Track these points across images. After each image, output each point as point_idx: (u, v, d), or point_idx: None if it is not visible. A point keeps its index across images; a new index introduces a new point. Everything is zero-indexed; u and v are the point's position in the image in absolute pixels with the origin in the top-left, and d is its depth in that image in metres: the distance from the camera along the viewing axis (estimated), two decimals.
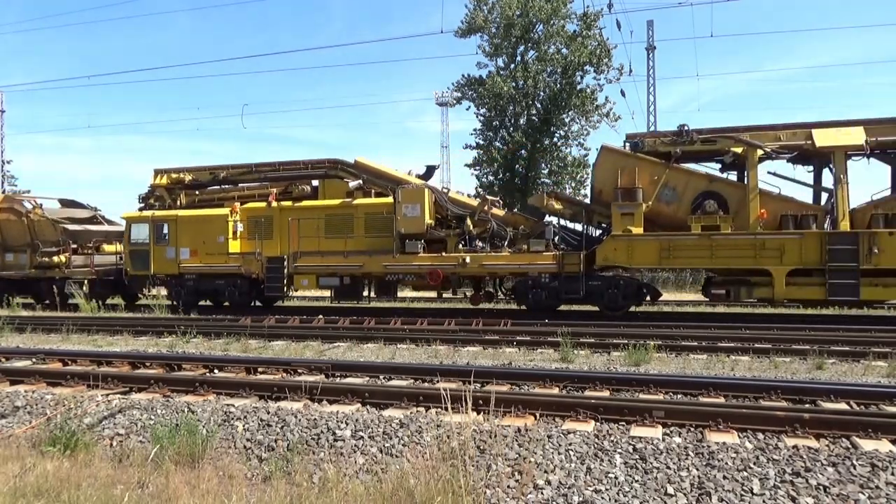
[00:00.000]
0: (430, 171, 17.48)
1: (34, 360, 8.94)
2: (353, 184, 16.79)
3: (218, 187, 19.06)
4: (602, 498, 4.23)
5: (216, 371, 8.10)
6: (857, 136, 13.31)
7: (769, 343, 9.74)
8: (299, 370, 7.83)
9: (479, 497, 4.20)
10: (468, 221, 15.64)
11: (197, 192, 19.13)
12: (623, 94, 44.20)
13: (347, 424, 5.58)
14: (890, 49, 75.47)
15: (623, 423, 5.48)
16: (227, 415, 5.98)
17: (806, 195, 14.58)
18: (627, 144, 14.79)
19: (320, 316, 14.23)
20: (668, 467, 4.55)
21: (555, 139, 30.46)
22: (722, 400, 6.22)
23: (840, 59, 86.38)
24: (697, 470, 4.49)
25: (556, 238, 15.15)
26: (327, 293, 17.41)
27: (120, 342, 11.75)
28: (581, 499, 4.23)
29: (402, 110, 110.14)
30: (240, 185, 18.69)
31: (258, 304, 17.78)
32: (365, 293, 16.60)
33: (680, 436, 5.16)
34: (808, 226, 13.28)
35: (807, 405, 6.01)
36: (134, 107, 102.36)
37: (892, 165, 14.11)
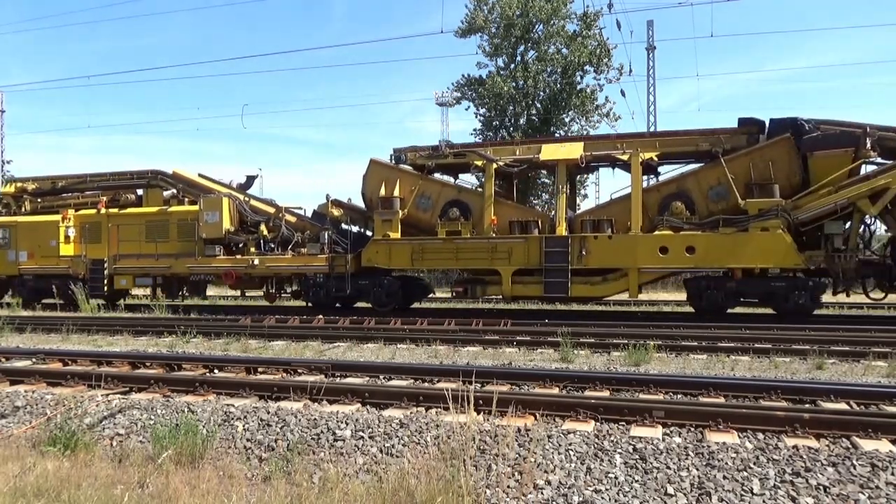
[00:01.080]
0: (250, 180, 19.44)
1: (34, 360, 8.94)
2: (167, 193, 19.14)
3: (61, 195, 20.63)
4: (602, 498, 4.23)
5: (216, 371, 8.10)
6: (575, 151, 15.38)
7: (769, 343, 9.74)
8: (299, 370, 7.83)
9: (479, 497, 4.20)
10: (262, 227, 17.38)
11: (39, 200, 20.71)
12: (623, 94, 44.29)
13: (347, 424, 5.58)
14: (891, 49, 75.49)
15: (623, 423, 5.48)
16: (227, 415, 5.98)
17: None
18: (392, 158, 16.73)
19: (320, 316, 14.23)
20: (668, 467, 4.55)
21: None
22: (722, 400, 6.22)
23: (841, 59, 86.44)
24: (697, 470, 4.49)
25: (330, 241, 16.82)
26: None
27: (120, 342, 11.75)
28: (581, 499, 4.23)
29: (402, 110, 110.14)
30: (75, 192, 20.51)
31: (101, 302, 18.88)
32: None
33: (680, 436, 5.16)
34: (531, 231, 15.04)
35: (807, 405, 6.01)
36: (134, 107, 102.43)
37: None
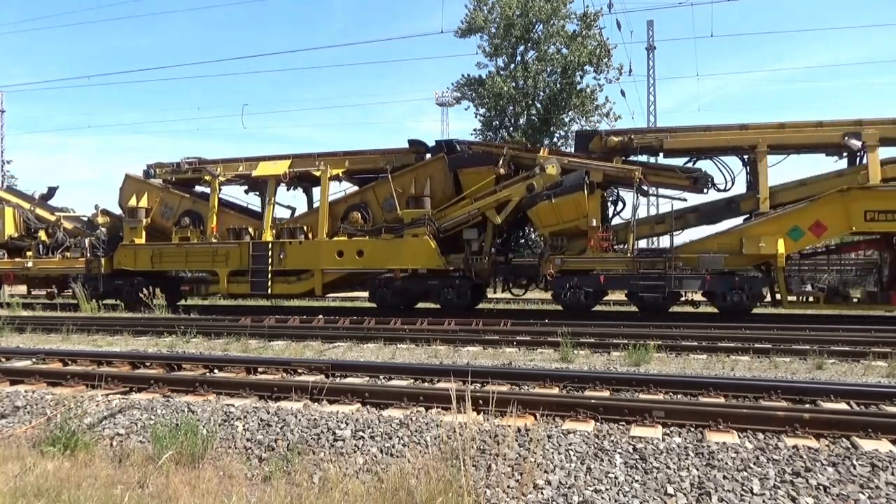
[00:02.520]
0: (52, 191, 21.36)
1: (34, 360, 8.93)
2: None
3: None
4: (602, 498, 4.23)
5: (216, 371, 8.10)
6: (281, 168, 17.54)
7: (769, 343, 9.74)
8: (299, 370, 7.83)
9: (479, 497, 4.20)
10: (41, 233, 19.72)
11: None
12: (623, 94, 44.31)
13: (347, 424, 5.58)
14: (890, 49, 75.50)
15: (623, 423, 5.48)
16: (227, 415, 5.98)
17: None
18: (144, 172, 19.01)
19: (320, 316, 14.24)
20: (668, 467, 4.55)
21: (555, 139, 30.44)
22: (722, 400, 6.22)
23: (840, 59, 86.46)
24: (697, 470, 4.49)
25: (90, 246, 18.80)
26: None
27: (120, 342, 11.74)
28: (581, 499, 4.23)
29: (402, 110, 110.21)
30: None
31: None
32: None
33: (680, 436, 5.16)
34: (243, 237, 17.34)
35: (807, 405, 6.01)
36: (134, 107, 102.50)
37: (305, 192, 19.10)
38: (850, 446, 4.84)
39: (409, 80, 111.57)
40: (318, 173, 16.94)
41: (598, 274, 14.56)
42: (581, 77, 29.77)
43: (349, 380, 7.44)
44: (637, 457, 4.72)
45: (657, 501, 4.17)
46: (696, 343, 9.98)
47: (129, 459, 5.14)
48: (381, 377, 7.56)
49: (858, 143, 13.72)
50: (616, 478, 4.47)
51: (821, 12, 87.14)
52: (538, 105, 30.28)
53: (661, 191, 16.51)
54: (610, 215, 15.61)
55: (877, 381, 7.39)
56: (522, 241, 17.96)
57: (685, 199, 15.40)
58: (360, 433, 5.42)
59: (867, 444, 4.79)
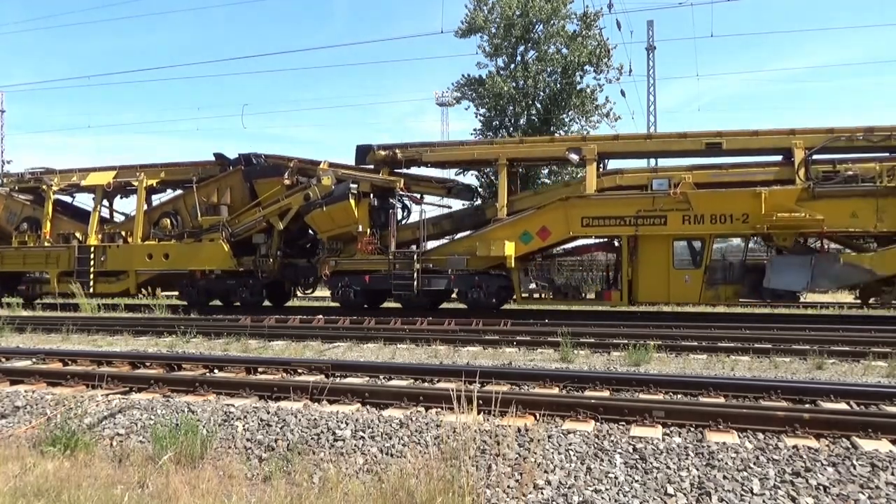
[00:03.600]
0: None
1: (34, 360, 8.93)
2: None
3: None
4: (602, 498, 4.23)
5: (216, 371, 8.10)
6: (106, 178, 19.40)
7: (769, 343, 9.74)
8: (299, 370, 7.83)
9: (479, 497, 4.20)
10: None
11: None
12: (623, 94, 44.17)
13: (347, 424, 5.58)
14: (891, 49, 75.50)
15: (623, 423, 5.48)
16: (227, 415, 5.98)
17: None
18: None
19: (320, 316, 14.24)
20: (668, 467, 4.55)
21: None
22: (722, 400, 6.22)
23: (840, 59, 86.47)
24: (697, 470, 4.49)
25: None
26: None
27: (120, 342, 11.74)
28: (581, 499, 4.23)
29: (402, 110, 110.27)
30: None
31: None
32: None
33: (680, 436, 5.16)
34: (71, 241, 19.17)
35: (807, 405, 6.01)
36: (134, 107, 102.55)
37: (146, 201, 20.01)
38: (850, 446, 4.84)
39: (409, 80, 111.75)
40: (136, 183, 18.90)
41: (364, 274, 16.12)
42: (581, 77, 29.73)
43: (349, 380, 7.44)
44: (637, 457, 4.72)
45: (657, 501, 4.17)
46: (696, 343, 9.98)
47: (129, 459, 5.13)
48: (381, 377, 7.56)
49: (577, 157, 15.53)
50: (616, 478, 4.47)
51: (821, 12, 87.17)
52: (538, 105, 30.26)
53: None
54: (391, 220, 16.54)
55: (877, 381, 7.39)
56: (309, 245, 18.91)
57: (449, 207, 17.99)
58: (360, 433, 5.42)
59: (867, 444, 4.79)
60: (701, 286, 14.20)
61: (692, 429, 5.30)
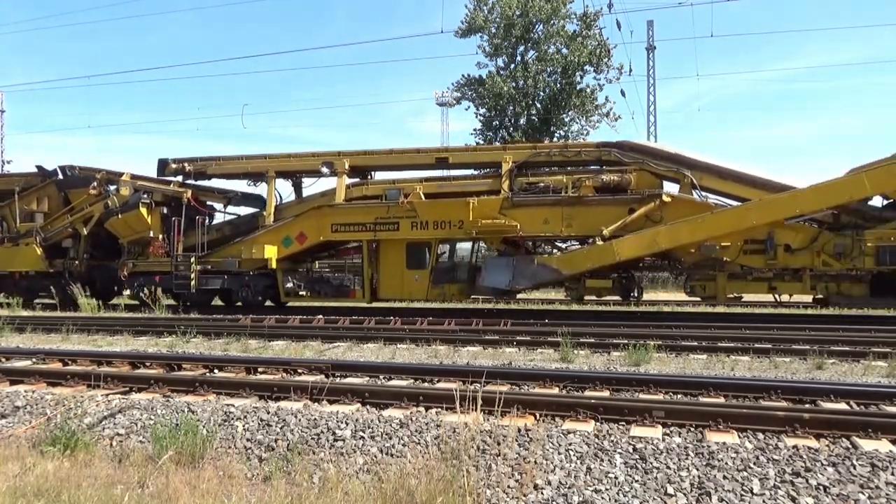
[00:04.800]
0: None
1: (34, 360, 8.93)
2: None
3: None
4: (602, 498, 4.23)
5: (216, 371, 8.10)
6: None
7: (769, 343, 9.74)
8: (299, 370, 7.83)
9: (479, 497, 4.20)
10: None
11: None
12: (623, 94, 44.30)
13: (347, 424, 5.58)
14: (891, 49, 75.53)
15: (623, 423, 5.48)
16: (227, 415, 5.98)
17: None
18: None
19: (320, 316, 14.24)
20: (668, 467, 4.55)
21: (555, 139, 30.47)
22: (722, 400, 6.22)
23: (840, 59, 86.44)
24: (697, 470, 4.49)
25: None
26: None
27: (120, 342, 11.74)
28: (581, 499, 4.23)
29: (402, 110, 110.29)
30: None
31: None
32: None
33: (680, 436, 5.16)
34: None
35: (807, 405, 6.01)
36: (134, 107, 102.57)
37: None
38: (850, 446, 4.84)
39: (409, 80, 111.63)
40: None
41: (155, 274, 17.91)
42: (581, 77, 29.79)
43: (349, 380, 7.44)
44: (637, 457, 4.72)
45: (657, 501, 4.17)
46: (696, 343, 9.97)
47: (129, 459, 5.14)
48: (381, 377, 7.56)
49: (328, 171, 17.33)
50: (616, 478, 4.47)
51: (821, 12, 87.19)
52: (538, 105, 30.29)
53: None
54: (173, 227, 17.88)
55: (877, 381, 7.39)
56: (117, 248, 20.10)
57: (237, 215, 19.47)
58: (360, 433, 5.42)
59: (867, 444, 4.79)
60: (428, 285, 16.11)
61: (692, 429, 5.30)
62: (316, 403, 6.35)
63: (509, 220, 15.25)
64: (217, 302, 19.33)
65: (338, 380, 7.37)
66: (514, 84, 29.42)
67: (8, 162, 46.42)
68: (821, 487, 4.18)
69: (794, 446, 4.74)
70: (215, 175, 18.76)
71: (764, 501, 4.10)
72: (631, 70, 30.60)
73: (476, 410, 4.68)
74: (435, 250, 16.37)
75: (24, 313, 16.70)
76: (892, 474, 4.31)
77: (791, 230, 13.88)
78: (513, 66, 30.23)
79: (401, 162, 17.57)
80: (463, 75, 31.77)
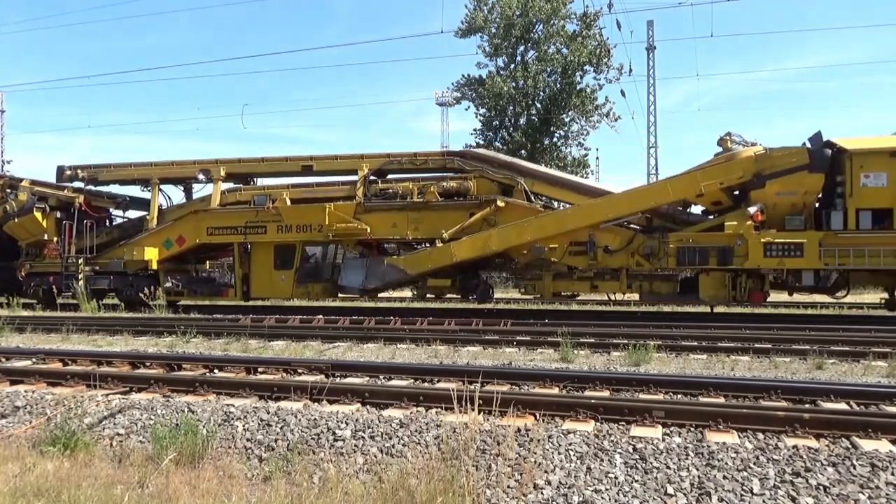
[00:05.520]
0: None
1: (34, 360, 8.93)
2: None
3: None
4: (602, 498, 4.23)
5: (216, 371, 8.10)
6: None
7: (769, 343, 9.73)
8: (299, 370, 7.83)
9: (479, 497, 4.20)
10: None
11: None
12: (623, 94, 44.35)
13: (347, 424, 5.58)
14: (892, 49, 75.51)
15: (623, 422, 5.48)
16: (227, 415, 5.98)
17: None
18: None
19: (320, 316, 14.24)
20: (668, 467, 4.55)
21: (555, 139, 30.54)
22: (722, 400, 6.21)
23: (841, 59, 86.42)
24: (697, 470, 4.49)
25: None
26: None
27: (120, 342, 11.74)
28: (581, 499, 4.23)
29: (402, 110, 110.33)
30: None
31: None
32: None
33: (680, 436, 5.16)
34: None
35: (807, 405, 6.00)
36: (134, 107, 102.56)
37: None
38: (850, 446, 4.84)
39: (409, 80, 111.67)
40: None
41: (50, 275, 18.74)
42: (581, 77, 29.83)
43: (349, 380, 7.44)
44: (637, 457, 4.72)
45: (657, 501, 4.17)
46: (696, 343, 9.97)
47: (129, 459, 5.14)
48: (381, 377, 7.55)
49: (204, 178, 18.52)
50: (616, 478, 4.47)
51: (821, 12, 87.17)
52: (538, 105, 30.31)
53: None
54: (64, 230, 18.83)
55: (877, 381, 7.39)
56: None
57: (126, 219, 20.67)
58: (360, 433, 5.42)
59: (867, 444, 4.79)
60: (293, 284, 17.25)
61: (692, 429, 5.30)
62: (316, 403, 6.35)
63: (362, 224, 16.49)
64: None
65: (338, 380, 7.37)
66: (514, 84, 29.43)
67: (8, 162, 46.45)
68: (821, 487, 4.18)
69: (794, 446, 4.74)
70: (107, 181, 19.77)
71: (764, 501, 4.10)
72: (631, 70, 30.64)
73: (475, 410, 4.67)
74: (300, 252, 17.42)
75: (24, 313, 16.70)
76: (892, 474, 4.31)
77: (610, 233, 14.76)
78: (513, 66, 30.26)
79: (272, 169, 18.76)
80: (463, 75, 31.84)
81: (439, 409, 5.91)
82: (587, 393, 6.55)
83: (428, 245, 16.54)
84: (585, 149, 30.99)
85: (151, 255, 18.05)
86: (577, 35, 29.44)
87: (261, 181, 19.40)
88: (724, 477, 4.36)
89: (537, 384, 6.85)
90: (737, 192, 14.23)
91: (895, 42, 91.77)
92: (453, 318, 13.08)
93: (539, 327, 11.94)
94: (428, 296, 17.64)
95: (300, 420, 5.75)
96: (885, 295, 14.14)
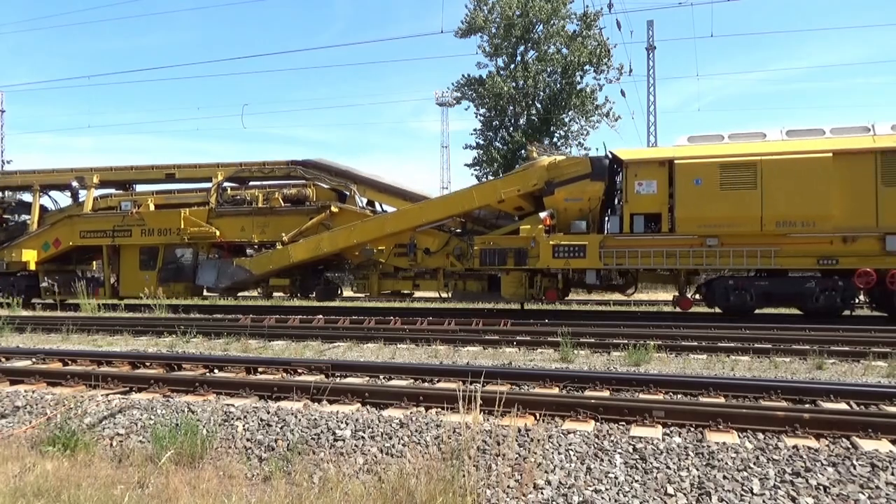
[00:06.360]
0: None
1: (34, 359, 8.93)
2: None
3: None
4: (602, 498, 4.23)
5: (216, 371, 8.10)
6: None
7: (769, 343, 9.73)
8: (299, 370, 7.83)
9: (479, 497, 4.20)
10: None
11: None
12: (623, 94, 44.39)
13: (347, 424, 5.58)
14: (891, 49, 75.50)
15: (623, 422, 5.48)
16: (227, 415, 5.98)
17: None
18: None
19: (320, 316, 14.23)
20: (668, 467, 4.55)
21: (555, 139, 30.48)
22: (722, 400, 6.21)
23: (841, 59, 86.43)
24: (697, 470, 4.49)
25: None
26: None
27: (120, 342, 11.74)
28: (581, 499, 4.23)
29: (402, 110, 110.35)
30: None
31: None
32: None
33: (680, 436, 5.16)
34: None
35: (807, 405, 6.01)
36: (134, 107, 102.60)
37: None
38: (850, 446, 4.84)
39: (409, 80, 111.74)
40: None
41: None
42: (581, 77, 29.81)
43: (349, 380, 7.44)
44: (637, 457, 4.72)
45: (657, 501, 4.17)
46: (696, 343, 9.97)
47: (129, 459, 5.14)
48: (381, 377, 7.56)
49: (77, 185, 19.84)
50: (616, 478, 4.47)
51: (821, 12, 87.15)
52: (538, 105, 30.31)
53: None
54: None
55: (877, 381, 7.38)
56: None
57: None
58: (360, 433, 5.42)
59: (867, 444, 4.79)
60: (157, 283, 18.33)
61: (692, 429, 5.30)
62: (316, 403, 6.35)
63: (213, 228, 18.06)
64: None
65: (338, 380, 7.37)
66: (514, 84, 29.43)
67: (8, 162, 46.44)
68: (821, 487, 4.18)
69: (794, 446, 4.74)
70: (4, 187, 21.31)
71: (764, 501, 4.10)
72: (631, 70, 30.58)
73: (476, 410, 4.67)
74: (162, 254, 18.88)
75: (24, 313, 16.71)
76: (892, 474, 4.31)
77: (429, 236, 16.05)
78: (513, 66, 30.24)
79: (140, 177, 20.15)
80: (463, 75, 31.81)
81: (439, 409, 5.91)
82: (587, 393, 6.55)
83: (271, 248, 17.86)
84: (585, 149, 30.96)
85: (30, 256, 19.44)
86: (577, 35, 29.43)
87: (140, 188, 20.93)
88: (724, 477, 4.36)
89: (537, 384, 6.85)
90: (539, 198, 15.27)
91: (895, 42, 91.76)
92: (453, 318, 13.08)
93: (539, 327, 11.94)
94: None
95: (300, 420, 5.74)
96: (677, 293, 15.00)
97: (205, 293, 19.66)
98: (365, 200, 18.02)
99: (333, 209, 17.27)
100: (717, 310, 14.32)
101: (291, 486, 4.55)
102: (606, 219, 14.56)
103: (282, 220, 17.64)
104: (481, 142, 31.52)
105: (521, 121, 30.39)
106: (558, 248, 14.21)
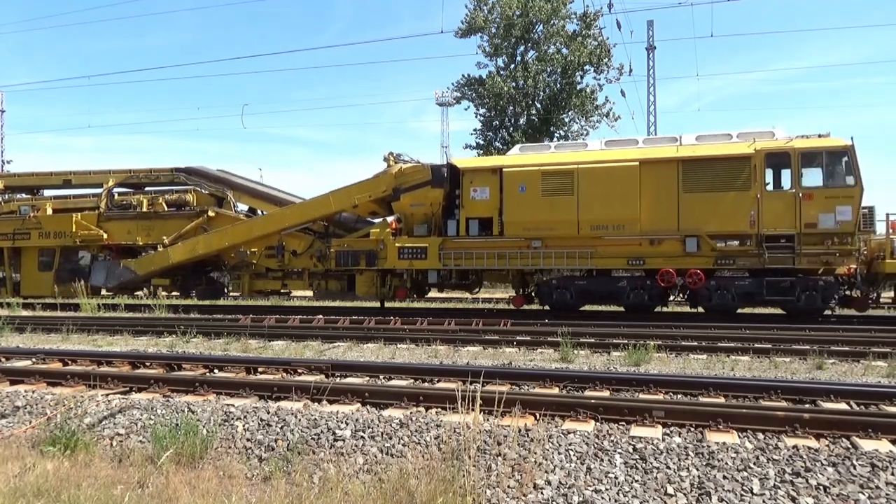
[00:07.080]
0: None
1: (34, 359, 8.93)
2: None
3: None
4: (602, 498, 4.23)
5: (216, 371, 8.10)
6: None
7: (769, 343, 9.73)
8: (299, 370, 7.83)
9: (479, 497, 4.20)
10: None
11: None
12: (623, 94, 44.43)
13: (347, 424, 5.58)
14: (891, 49, 75.51)
15: (623, 422, 5.48)
16: (227, 415, 5.98)
17: None
18: None
19: (320, 316, 14.24)
20: (668, 467, 4.55)
21: (554, 139, 30.44)
22: (722, 400, 6.22)
23: (841, 59, 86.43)
24: (697, 470, 4.49)
25: None
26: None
27: (120, 342, 11.74)
28: (581, 499, 4.23)
29: (402, 110, 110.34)
30: None
31: None
32: None
33: (680, 436, 5.16)
34: None
35: (807, 405, 6.01)
36: (134, 107, 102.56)
37: None
38: (850, 446, 4.84)
39: (409, 80, 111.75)
40: None
41: None
42: (581, 77, 29.80)
43: (349, 380, 7.44)
44: (637, 457, 4.72)
45: (657, 501, 4.17)
46: (696, 343, 9.97)
47: (129, 459, 5.14)
48: (381, 377, 7.55)
49: None
50: (616, 478, 4.47)
51: (821, 12, 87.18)
52: (538, 105, 30.30)
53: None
54: None
55: (877, 381, 7.39)
56: None
57: None
58: (360, 433, 5.42)
59: (867, 444, 4.79)
60: (53, 284, 19.53)
61: (692, 429, 5.30)
62: (316, 403, 6.35)
63: (101, 231, 19.18)
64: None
65: (338, 380, 7.37)
66: (514, 84, 29.42)
67: (8, 162, 46.46)
68: (821, 487, 4.18)
69: (794, 446, 4.74)
70: None
71: (764, 501, 4.10)
72: (631, 70, 30.57)
73: (476, 410, 4.67)
74: (58, 255, 19.83)
75: (24, 313, 16.71)
76: (892, 474, 4.31)
77: (296, 238, 17.11)
78: (513, 66, 30.23)
79: (41, 183, 21.45)
80: (463, 75, 31.80)
81: (439, 409, 5.91)
82: (587, 393, 6.55)
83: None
84: None
85: None
86: (577, 35, 29.42)
87: (48, 192, 22.06)
88: (724, 477, 4.36)
89: (537, 384, 6.85)
90: (390, 204, 16.31)
91: (894, 42, 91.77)
92: (453, 318, 13.08)
93: (539, 327, 11.94)
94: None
95: (300, 420, 5.74)
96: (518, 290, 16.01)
97: (103, 292, 20.28)
98: (245, 206, 19.29)
99: (211, 213, 18.51)
100: (547, 307, 15.20)
101: (291, 486, 4.55)
102: (447, 223, 15.50)
103: (165, 223, 18.76)
104: (481, 142, 31.51)
105: (521, 121, 30.38)
106: (403, 249, 15.38)
